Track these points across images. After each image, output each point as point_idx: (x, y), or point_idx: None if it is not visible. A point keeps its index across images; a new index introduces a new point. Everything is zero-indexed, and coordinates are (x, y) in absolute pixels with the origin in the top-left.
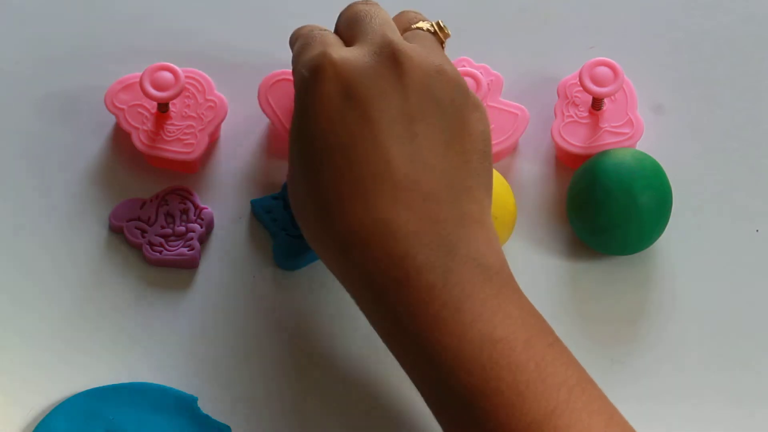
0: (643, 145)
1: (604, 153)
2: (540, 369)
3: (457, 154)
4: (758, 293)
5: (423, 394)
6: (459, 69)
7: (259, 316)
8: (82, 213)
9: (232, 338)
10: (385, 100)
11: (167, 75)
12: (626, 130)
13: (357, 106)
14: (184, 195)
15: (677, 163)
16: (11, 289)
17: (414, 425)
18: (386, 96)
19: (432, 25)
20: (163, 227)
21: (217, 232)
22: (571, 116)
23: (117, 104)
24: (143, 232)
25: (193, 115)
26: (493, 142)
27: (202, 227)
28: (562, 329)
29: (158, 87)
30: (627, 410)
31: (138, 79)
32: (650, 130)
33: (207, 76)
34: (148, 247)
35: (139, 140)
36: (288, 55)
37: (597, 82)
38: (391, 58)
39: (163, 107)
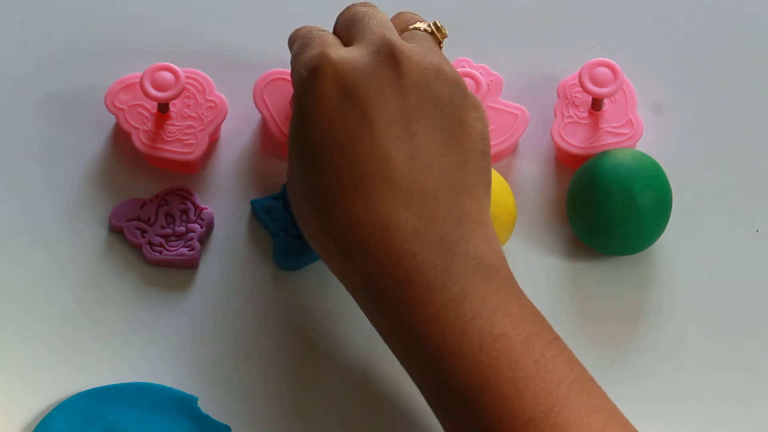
0: (642, 146)
1: (604, 153)
2: (539, 366)
3: (456, 153)
4: (758, 293)
5: (423, 392)
6: (459, 69)
7: (259, 316)
8: (82, 213)
9: (232, 338)
10: (384, 99)
11: (167, 75)
12: (626, 131)
13: (356, 106)
14: (184, 195)
15: (677, 163)
16: (11, 289)
17: (414, 425)
18: (385, 95)
19: (429, 26)
20: (163, 227)
21: (217, 233)
22: (571, 117)
23: (117, 104)
24: (143, 232)
25: (194, 115)
26: (493, 143)
27: (202, 227)
28: (562, 329)
29: (158, 87)
30: (627, 410)
31: (138, 79)
32: (650, 131)
33: (207, 76)
34: (148, 247)
35: (139, 140)
36: (288, 55)
37: (597, 82)
38: (389, 57)
39: (163, 107)
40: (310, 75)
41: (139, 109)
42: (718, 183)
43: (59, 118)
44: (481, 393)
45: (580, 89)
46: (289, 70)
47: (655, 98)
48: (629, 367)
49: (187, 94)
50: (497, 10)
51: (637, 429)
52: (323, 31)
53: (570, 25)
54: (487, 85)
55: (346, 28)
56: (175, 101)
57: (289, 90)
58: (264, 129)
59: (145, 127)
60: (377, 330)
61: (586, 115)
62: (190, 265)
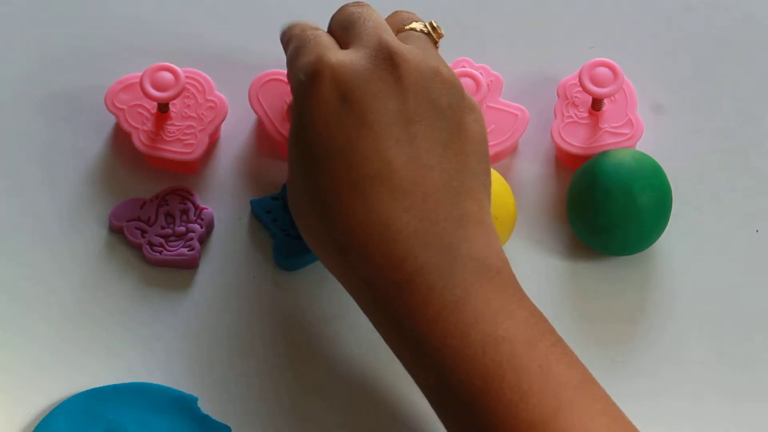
0: (642, 146)
1: (604, 153)
2: (543, 370)
3: (456, 155)
4: (758, 293)
5: (426, 394)
6: (459, 70)
7: (259, 316)
8: (82, 213)
9: (232, 338)
10: (383, 102)
11: (167, 75)
12: (626, 131)
13: (355, 110)
14: (185, 195)
15: (677, 163)
16: (11, 289)
17: (414, 425)
18: (384, 98)
19: (425, 26)
20: (163, 227)
21: (217, 233)
22: (571, 117)
23: (117, 104)
24: (143, 232)
25: (194, 115)
26: (493, 143)
27: (202, 227)
28: (562, 329)
29: (158, 87)
30: (627, 409)
31: (138, 80)
32: (650, 131)
33: (207, 76)
34: (148, 247)
35: (139, 140)
36: (285, 55)
37: (597, 82)
38: (387, 60)
39: (163, 107)
40: (309, 79)
41: (139, 109)
42: (718, 183)
43: (59, 118)
44: (483, 396)
45: (580, 89)
46: (284, 71)
47: (655, 98)
48: (629, 366)
49: (187, 94)
50: (497, 10)
51: (639, 429)
52: (317, 30)
53: (570, 25)
54: (487, 85)
55: (342, 29)
56: (175, 101)
57: (285, 90)
58: (260, 129)
59: (145, 127)
60: (379, 331)
61: (586, 115)
62: (190, 265)
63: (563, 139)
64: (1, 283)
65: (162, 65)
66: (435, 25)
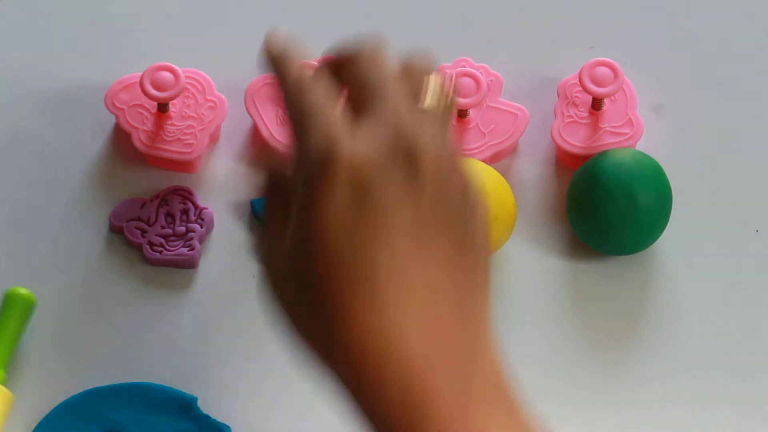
0: (642, 146)
1: (604, 153)
2: None
3: (464, 273)
4: (758, 293)
5: None
6: (458, 69)
7: (259, 316)
8: (82, 213)
9: (232, 338)
10: (399, 208)
11: (167, 75)
12: (626, 131)
13: (370, 220)
14: (185, 195)
15: (677, 163)
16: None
17: None
18: (400, 204)
19: (442, 99)
20: (163, 227)
21: (217, 232)
22: (571, 116)
23: (117, 104)
24: (143, 232)
25: (193, 115)
26: (493, 142)
27: (202, 227)
28: (561, 329)
29: (158, 87)
30: (626, 410)
31: (138, 80)
32: (650, 130)
33: (207, 76)
34: (148, 247)
35: (139, 140)
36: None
37: (597, 82)
38: (407, 157)
39: (163, 107)
40: (319, 171)
41: (139, 109)
42: (718, 183)
43: (59, 118)
44: None
45: (580, 89)
46: None
47: (655, 98)
48: (629, 366)
49: (187, 93)
50: (497, 10)
51: (636, 430)
52: (329, 98)
53: (570, 25)
54: (487, 84)
55: (359, 93)
56: (175, 101)
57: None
58: (255, 134)
59: (145, 127)
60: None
61: (586, 114)
62: (190, 265)
63: (563, 139)
64: (1, 283)
65: (162, 65)
66: (451, 99)
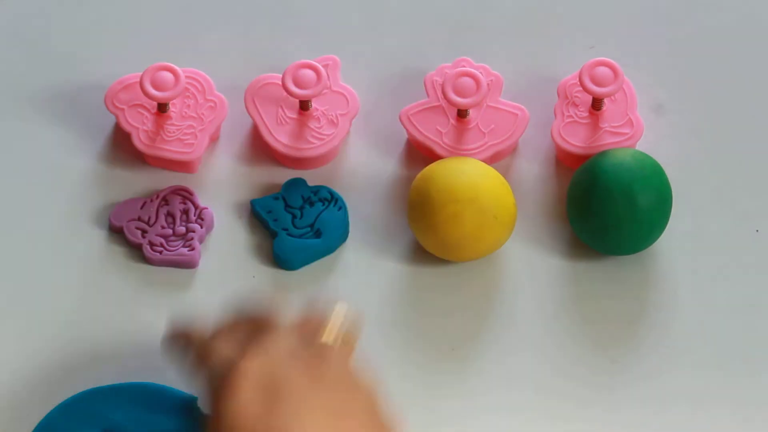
0: (643, 145)
1: (604, 153)
2: None
3: None
4: (758, 293)
5: None
6: (458, 69)
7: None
8: (82, 213)
9: None
10: (305, 392)
11: (168, 75)
12: (626, 130)
13: (281, 406)
14: (185, 195)
15: (677, 163)
16: (11, 289)
17: (416, 424)
18: (305, 390)
19: (338, 336)
20: (163, 227)
21: (217, 232)
22: (571, 116)
23: (117, 104)
24: (143, 232)
25: (194, 115)
26: (493, 142)
27: (202, 227)
28: (562, 329)
29: (158, 87)
30: (626, 410)
31: (138, 79)
32: (650, 130)
33: (207, 76)
34: (148, 246)
35: (139, 140)
36: (288, 59)
37: (597, 82)
38: (303, 366)
39: (163, 107)
40: (231, 376)
41: (139, 109)
42: (718, 183)
43: (59, 117)
44: None
45: (581, 89)
46: (279, 75)
47: (655, 98)
48: (628, 366)
49: (187, 94)
50: (497, 10)
51: (636, 428)
52: (228, 340)
53: (570, 25)
54: (487, 84)
55: (251, 332)
56: (175, 101)
57: (281, 95)
58: (255, 134)
59: (145, 127)
60: None
61: (586, 114)
62: (190, 265)
63: (563, 139)
64: (1, 283)
65: (162, 65)
66: (348, 336)
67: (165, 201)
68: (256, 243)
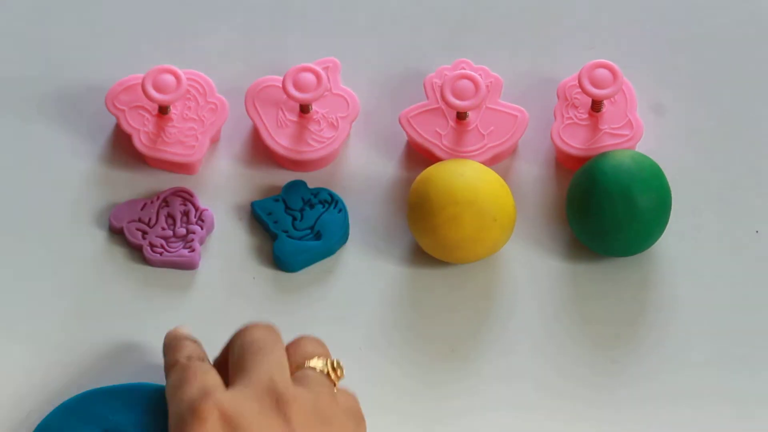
0: (642, 147)
1: (604, 155)
2: None
3: None
4: (758, 293)
5: None
6: (458, 71)
7: (259, 316)
8: (82, 213)
9: None
10: None
11: (169, 78)
12: (626, 132)
13: None
14: (185, 196)
15: (677, 164)
16: (11, 289)
17: (413, 424)
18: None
19: (326, 365)
20: (163, 228)
21: (218, 234)
22: (571, 118)
23: (118, 105)
24: (144, 233)
25: (194, 117)
26: (493, 144)
27: (202, 229)
28: (562, 330)
29: (160, 90)
30: (626, 411)
31: (139, 81)
32: (650, 132)
33: (208, 78)
34: (148, 248)
35: (140, 142)
36: (289, 62)
37: (596, 84)
38: (274, 405)
39: (164, 109)
40: (191, 417)
41: (140, 111)
42: (718, 183)
43: (60, 118)
44: None
45: (580, 90)
46: (280, 77)
47: (655, 99)
48: (628, 367)
49: (188, 95)
50: (497, 12)
51: (637, 431)
52: (204, 363)
53: (570, 26)
54: (487, 86)
55: (238, 357)
56: (176, 103)
57: (281, 98)
58: (255, 136)
59: (146, 129)
60: None
61: (585, 116)
62: (191, 266)
63: (563, 141)
64: (2, 283)
65: (164, 67)
66: (336, 365)
67: (165, 202)
68: (257, 245)
